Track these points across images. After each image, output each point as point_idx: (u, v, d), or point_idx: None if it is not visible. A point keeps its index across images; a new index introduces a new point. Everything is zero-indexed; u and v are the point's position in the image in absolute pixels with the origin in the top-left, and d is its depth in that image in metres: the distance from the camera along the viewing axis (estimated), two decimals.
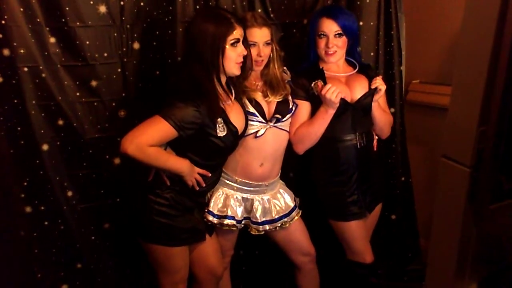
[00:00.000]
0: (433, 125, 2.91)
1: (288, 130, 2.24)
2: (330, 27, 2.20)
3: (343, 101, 2.16)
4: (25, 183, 2.29)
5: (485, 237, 1.47)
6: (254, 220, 2.22)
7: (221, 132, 1.94)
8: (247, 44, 2.02)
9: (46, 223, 2.36)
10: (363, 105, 2.24)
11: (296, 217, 2.31)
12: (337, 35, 2.20)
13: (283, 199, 2.29)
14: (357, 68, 2.34)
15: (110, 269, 2.58)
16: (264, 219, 2.22)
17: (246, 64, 2.03)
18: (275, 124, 2.16)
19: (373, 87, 2.22)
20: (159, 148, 1.90)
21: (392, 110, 2.64)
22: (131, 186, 2.16)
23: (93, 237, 2.49)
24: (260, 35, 2.09)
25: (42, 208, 2.34)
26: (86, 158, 2.37)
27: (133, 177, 2.09)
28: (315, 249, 2.39)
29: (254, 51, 2.09)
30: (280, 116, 2.16)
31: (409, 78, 2.94)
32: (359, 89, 2.26)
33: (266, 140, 2.16)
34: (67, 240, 2.42)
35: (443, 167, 1.47)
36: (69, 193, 2.38)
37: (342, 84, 2.26)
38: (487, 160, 1.34)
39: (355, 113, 2.25)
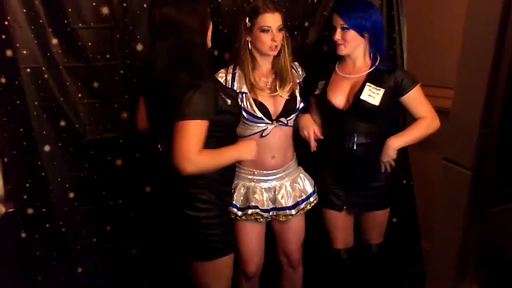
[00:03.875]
0: None
1: (292, 126, 2.28)
2: (337, 21, 2.24)
3: (332, 105, 2.27)
4: (27, 185, 2.29)
5: (487, 240, 1.47)
6: (279, 206, 2.25)
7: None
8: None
9: (47, 225, 2.37)
10: (356, 110, 2.25)
11: (313, 202, 2.35)
12: (344, 29, 2.22)
13: (303, 184, 2.33)
14: (372, 68, 2.30)
15: (112, 272, 2.57)
16: (290, 204, 2.26)
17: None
18: (284, 123, 2.21)
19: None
20: (206, 149, 1.80)
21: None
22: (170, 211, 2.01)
23: (94, 239, 2.49)
24: (273, 20, 2.12)
25: (44, 210, 2.34)
26: (87, 159, 2.38)
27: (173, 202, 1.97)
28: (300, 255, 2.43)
29: (268, 36, 2.12)
30: (284, 121, 2.20)
31: None
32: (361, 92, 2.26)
33: (274, 136, 2.20)
34: (68, 242, 2.42)
35: (444, 170, 1.46)
36: (71, 195, 2.38)
37: (345, 85, 2.29)
38: (489, 163, 1.34)
39: (347, 116, 2.27)
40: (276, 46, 2.14)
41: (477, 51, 1.33)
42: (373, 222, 2.48)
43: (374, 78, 2.26)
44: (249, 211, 2.20)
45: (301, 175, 2.34)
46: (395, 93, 2.25)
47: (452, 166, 1.42)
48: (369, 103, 2.21)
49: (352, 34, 2.22)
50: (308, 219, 2.44)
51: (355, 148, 2.28)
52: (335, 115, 2.30)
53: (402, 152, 2.70)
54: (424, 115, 2.28)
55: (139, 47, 2.34)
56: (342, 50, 2.26)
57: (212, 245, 1.94)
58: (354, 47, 2.27)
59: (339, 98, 2.29)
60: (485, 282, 1.53)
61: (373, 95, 2.23)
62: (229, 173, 2.05)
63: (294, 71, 2.30)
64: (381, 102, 2.21)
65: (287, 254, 2.40)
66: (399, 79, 2.25)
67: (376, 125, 2.28)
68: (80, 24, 2.22)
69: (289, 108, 2.20)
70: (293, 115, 2.23)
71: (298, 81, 2.29)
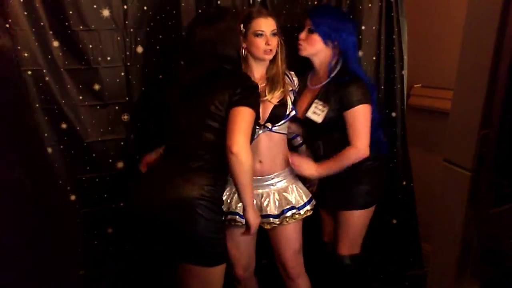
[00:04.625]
0: (434, 129, 2.91)
1: (283, 132, 2.26)
2: (306, 22, 2.26)
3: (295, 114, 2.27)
4: None
5: (487, 240, 1.47)
6: (264, 214, 2.22)
7: None
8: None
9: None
10: (307, 123, 2.29)
11: (305, 213, 2.27)
12: (310, 31, 2.24)
13: (294, 195, 2.27)
14: (327, 81, 2.28)
15: (113, 275, 2.57)
16: (276, 212, 2.23)
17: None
18: (269, 129, 2.20)
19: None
20: None
21: (394, 114, 2.65)
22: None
23: (95, 242, 2.49)
24: (267, 24, 2.14)
25: None
26: (89, 161, 2.38)
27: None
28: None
29: (262, 41, 2.13)
30: (269, 126, 2.19)
31: (410, 82, 2.94)
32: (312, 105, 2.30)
33: (261, 141, 2.20)
34: (70, 245, 2.42)
35: (444, 171, 1.47)
36: (72, 197, 2.38)
37: (307, 95, 2.34)
38: (489, 164, 1.34)
39: (305, 124, 2.33)
40: (270, 50, 2.15)
41: (476, 52, 1.34)
42: (339, 223, 2.39)
43: (325, 92, 2.26)
44: (228, 217, 2.21)
45: (294, 186, 2.28)
46: (342, 108, 2.19)
47: (452, 167, 1.42)
48: (313, 120, 2.24)
49: (315, 38, 2.23)
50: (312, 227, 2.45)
51: (322, 154, 2.32)
52: (300, 122, 2.36)
53: (402, 153, 2.71)
54: (353, 142, 2.18)
55: (140, 49, 2.35)
56: (301, 51, 2.27)
57: (219, 249, 1.94)
58: (314, 52, 2.27)
59: (300, 108, 2.31)
60: (486, 282, 1.53)
61: (318, 112, 2.24)
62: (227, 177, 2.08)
63: (288, 79, 2.30)
64: (324, 120, 2.22)
65: (282, 262, 2.33)
66: (346, 94, 2.17)
67: (339, 133, 2.24)
68: (81, 27, 2.22)
69: (277, 114, 2.19)
70: (281, 122, 2.21)
71: (291, 89, 2.28)
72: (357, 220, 2.37)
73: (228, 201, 2.23)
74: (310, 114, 2.25)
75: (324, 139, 2.33)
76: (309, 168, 2.22)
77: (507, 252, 1.54)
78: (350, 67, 2.26)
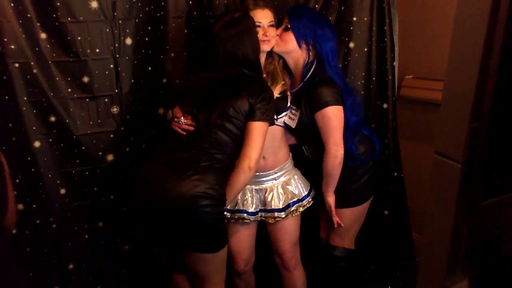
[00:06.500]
0: (425, 120, 2.92)
1: (282, 125, 2.26)
2: (285, 18, 2.26)
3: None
4: (17, 180, 2.27)
5: (477, 232, 1.48)
6: (269, 208, 2.25)
7: None
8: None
9: (37, 221, 2.34)
10: (288, 126, 2.28)
11: (307, 205, 2.31)
12: (286, 29, 2.23)
13: (296, 186, 2.30)
14: (301, 84, 2.27)
15: (104, 269, 2.56)
16: (280, 206, 2.25)
17: None
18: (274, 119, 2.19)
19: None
20: None
21: (385, 105, 2.65)
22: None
23: (86, 236, 2.48)
24: (263, 15, 2.17)
25: (34, 206, 2.32)
26: (78, 155, 2.36)
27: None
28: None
29: (260, 32, 2.14)
30: (275, 116, 2.18)
31: (402, 73, 2.95)
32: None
33: None
34: (60, 239, 2.40)
35: (435, 163, 1.47)
36: (62, 191, 2.36)
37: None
38: (479, 156, 1.34)
39: (289, 130, 2.32)
40: (268, 41, 2.16)
41: (466, 44, 1.33)
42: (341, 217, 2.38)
43: (297, 97, 2.24)
44: (236, 215, 2.25)
45: (296, 177, 2.31)
46: (312, 111, 2.17)
47: (442, 160, 1.42)
48: (290, 126, 2.25)
49: (289, 36, 2.22)
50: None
51: (310, 157, 2.34)
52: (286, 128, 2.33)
53: (393, 144, 2.72)
54: (326, 146, 2.18)
55: (129, 41, 2.33)
56: (274, 46, 2.23)
57: (222, 237, 2.00)
58: (286, 50, 2.25)
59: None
60: (475, 274, 1.54)
61: (292, 117, 2.24)
62: None
63: (286, 73, 2.32)
64: (297, 125, 2.21)
65: (279, 253, 2.37)
66: (315, 96, 2.15)
67: (319, 136, 2.22)
68: (69, 18, 2.19)
69: (279, 105, 2.20)
70: (283, 113, 2.23)
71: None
72: (349, 216, 2.38)
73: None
74: (286, 119, 2.25)
75: (308, 143, 2.33)
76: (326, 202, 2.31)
77: (498, 244, 1.55)
78: (326, 73, 2.22)
